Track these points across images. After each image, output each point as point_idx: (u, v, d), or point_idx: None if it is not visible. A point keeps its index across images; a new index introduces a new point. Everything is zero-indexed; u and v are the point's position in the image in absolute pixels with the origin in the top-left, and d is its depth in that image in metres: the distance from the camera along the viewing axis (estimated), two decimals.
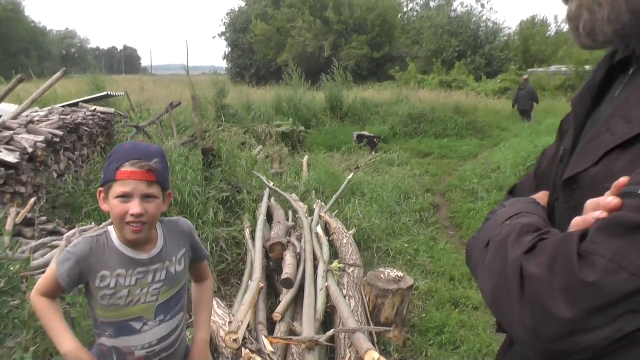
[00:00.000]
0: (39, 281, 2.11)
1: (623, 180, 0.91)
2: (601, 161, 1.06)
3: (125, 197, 1.97)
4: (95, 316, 2.10)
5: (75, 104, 10.01)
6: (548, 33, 41.47)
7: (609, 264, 0.80)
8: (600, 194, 0.99)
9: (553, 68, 31.22)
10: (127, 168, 1.97)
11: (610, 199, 0.89)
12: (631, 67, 1.21)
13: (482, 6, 44.25)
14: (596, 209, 0.92)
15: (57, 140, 6.73)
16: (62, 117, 7.61)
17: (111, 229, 2.11)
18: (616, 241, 0.82)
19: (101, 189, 2.05)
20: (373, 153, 13.79)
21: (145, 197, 1.99)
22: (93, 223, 5.62)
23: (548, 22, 42.88)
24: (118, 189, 1.97)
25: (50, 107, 8.89)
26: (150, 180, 2.00)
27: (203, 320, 2.43)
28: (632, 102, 1.06)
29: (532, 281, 0.89)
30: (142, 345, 2.12)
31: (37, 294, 2.07)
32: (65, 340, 2.03)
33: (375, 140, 14.77)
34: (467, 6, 46.47)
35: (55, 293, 2.10)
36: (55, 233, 5.32)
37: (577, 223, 0.95)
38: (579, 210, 1.08)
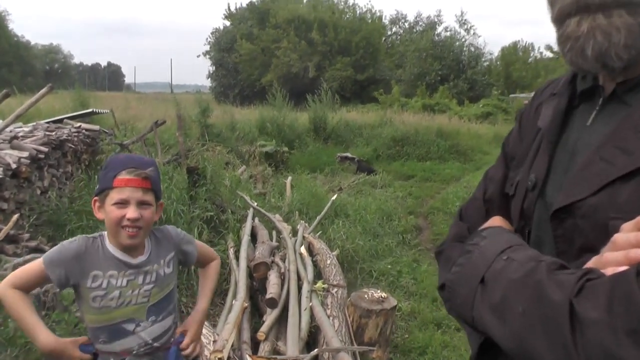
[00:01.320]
0: (12, 274, 2.12)
1: None
2: (601, 191, 1.05)
3: (122, 203, 2.05)
4: (87, 324, 2.15)
5: (60, 120, 9.99)
6: (530, 59, 42.12)
7: None
8: (601, 222, 1.01)
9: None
10: (124, 176, 2.06)
11: None
12: (598, 97, 1.21)
13: (466, 31, 44.75)
14: (636, 245, 0.87)
15: (42, 156, 6.70)
16: (46, 133, 7.58)
17: (105, 233, 2.17)
18: None
19: (96, 197, 2.12)
20: (374, 175, 13.85)
21: (141, 204, 2.08)
22: None
23: (531, 48, 43.57)
24: (115, 195, 2.05)
25: (34, 123, 8.86)
26: (146, 188, 2.09)
27: (205, 292, 2.52)
28: (626, 133, 1.06)
29: (591, 325, 0.83)
30: (138, 344, 2.17)
31: (9, 286, 2.06)
32: (42, 333, 2.06)
33: (372, 168, 14.79)
34: (450, 30, 46.87)
35: (33, 287, 2.15)
36: (38, 250, 5.28)
37: (614, 259, 0.90)
38: (570, 239, 1.10)
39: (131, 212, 2.04)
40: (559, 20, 1.14)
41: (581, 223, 1.07)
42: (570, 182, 1.13)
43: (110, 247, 2.12)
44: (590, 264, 0.96)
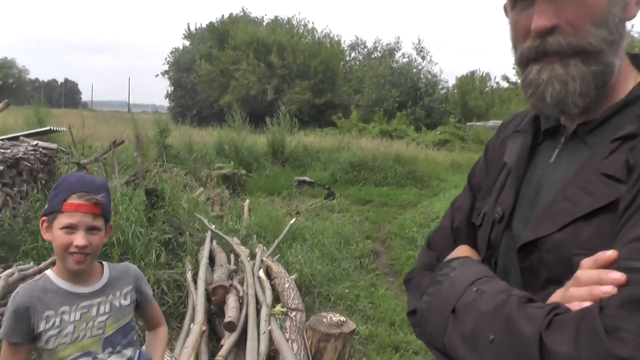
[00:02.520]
0: None
1: (612, 254, 0.95)
2: (565, 228, 1.11)
3: (70, 228, 2.01)
4: None
5: (16, 138, 9.81)
6: (487, 88, 42.93)
7: (636, 339, 0.83)
8: (565, 257, 1.09)
9: (491, 122, 32.27)
10: (74, 200, 2.03)
11: (618, 275, 0.91)
12: (560, 136, 1.31)
13: (423, 57, 45.44)
14: (597, 282, 0.94)
15: None
16: (1, 150, 7.42)
17: (48, 272, 2.14)
18: (637, 316, 0.86)
19: (44, 217, 2.08)
20: (331, 200, 13.85)
21: (90, 229, 2.05)
22: (31, 262, 5.50)
23: (487, 78, 44.38)
24: (64, 220, 2.02)
25: None
26: (96, 213, 2.06)
27: (159, 352, 2.47)
28: (589, 175, 1.14)
29: (559, 357, 0.89)
30: None
31: None
32: None
33: (332, 191, 14.77)
34: (407, 56, 47.61)
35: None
36: None
37: (578, 295, 0.97)
38: (535, 271, 1.18)
39: (79, 239, 2.01)
40: (522, 64, 1.25)
41: (546, 257, 1.15)
42: (537, 218, 1.21)
43: (59, 280, 2.10)
44: (556, 297, 1.03)
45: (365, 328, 5.88)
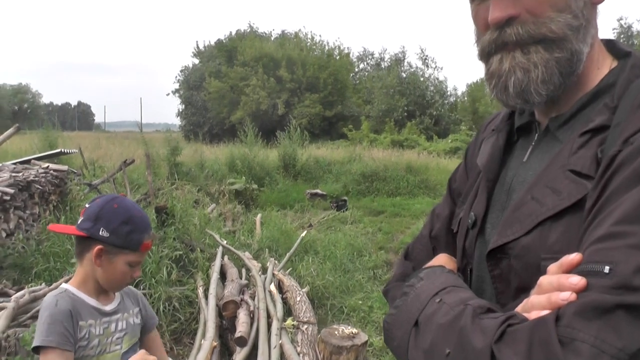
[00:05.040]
0: None
1: (576, 257, 0.89)
2: (532, 231, 1.05)
3: (136, 265, 2.14)
4: None
5: (27, 161, 9.88)
6: None
7: (592, 349, 0.77)
8: (534, 263, 1.03)
9: None
10: (147, 240, 2.13)
11: (576, 280, 0.85)
12: (534, 133, 1.26)
13: (427, 65, 45.18)
14: (558, 288, 0.87)
15: (7, 198, 6.62)
16: (13, 174, 7.48)
17: (68, 286, 2.14)
18: (594, 325, 0.78)
19: (102, 247, 2.06)
20: (343, 211, 13.85)
21: None
22: (43, 283, 5.53)
23: None
24: (135, 258, 2.12)
25: (0, 164, 8.74)
26: None
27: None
28: (556, 172, 1.07)
29: None
30: None
31: None
32: None
33: (345, 202, 14.81)
34: (414, 66, 47.46)
35: None
36: (1, 294, 5.21)
37: (538, 302, 0.90)
38: (506, 279, 1.11)
39: (138, 272, 2.15)
40: (483, 57, 1.20)
41: (515, 263, 1.09)
42: (504, 222, 1.14)
43: (84, 296, 2.11)
44: (519, 307, 0.96)
45: (379, 339, 5.84)
